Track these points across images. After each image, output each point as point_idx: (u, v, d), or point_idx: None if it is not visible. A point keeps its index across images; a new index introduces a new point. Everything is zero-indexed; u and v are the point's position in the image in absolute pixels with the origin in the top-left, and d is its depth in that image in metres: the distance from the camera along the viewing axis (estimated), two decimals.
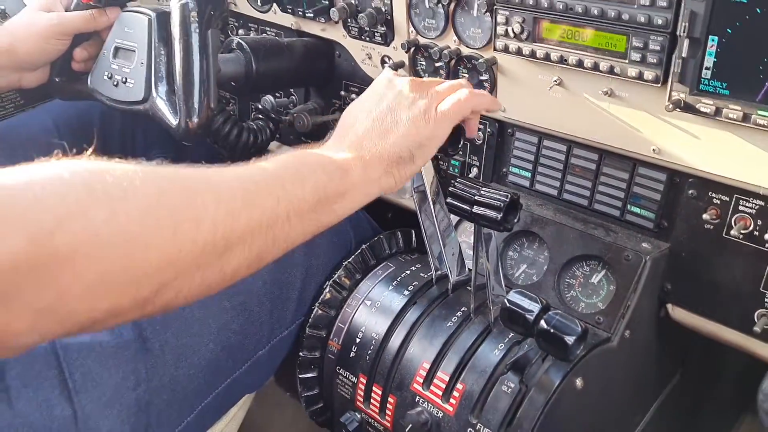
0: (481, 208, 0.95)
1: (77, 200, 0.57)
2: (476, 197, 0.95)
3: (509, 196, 0.94)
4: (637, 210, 1.11)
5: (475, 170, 1.32)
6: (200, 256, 0.66)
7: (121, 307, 0.61)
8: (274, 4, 1.54)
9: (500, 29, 1.12)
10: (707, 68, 0.93)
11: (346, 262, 1.18)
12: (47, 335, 0.58)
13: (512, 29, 1.10)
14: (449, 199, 0.98)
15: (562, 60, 1.06)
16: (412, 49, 1.31)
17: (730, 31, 0.90)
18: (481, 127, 1.27)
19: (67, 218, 0.55)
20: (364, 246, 1.21)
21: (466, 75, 1.25)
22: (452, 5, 1.21)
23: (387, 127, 0.92)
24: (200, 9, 1.19)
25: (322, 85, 1.55)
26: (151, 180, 0.64)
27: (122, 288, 0.60)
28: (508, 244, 1.19)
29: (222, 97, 1.69)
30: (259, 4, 1.58)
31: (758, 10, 0.86)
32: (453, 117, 0.96)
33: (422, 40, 1.30)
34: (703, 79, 0.94)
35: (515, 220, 0.96)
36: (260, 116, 1.52)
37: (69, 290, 0.56)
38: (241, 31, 1.68)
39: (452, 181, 0.99)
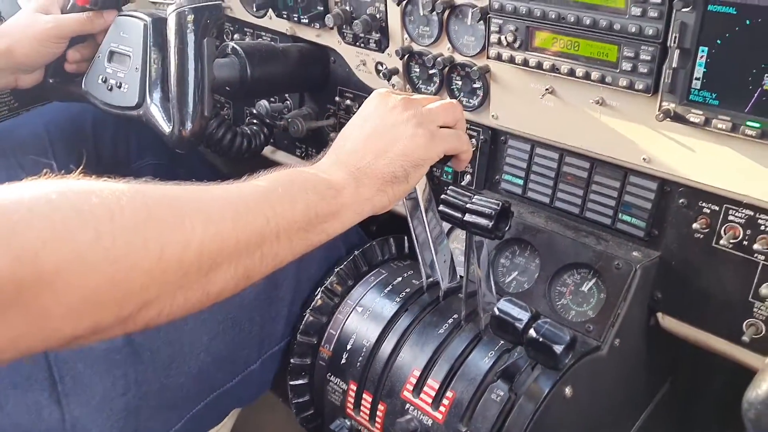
0: (473, 216, 0.95)
1: (63, 221, 0.57)
2: (467, 205, 0.96)
3: (500, 204, 0.94)
4: (627, 218, 1.11)
5: (468, 177, 1.33)
6: (184, 276, 0.66)
7: (103, 325, 0.61)
8: (270, 10, 1.55)
9: (493, 38, 1.12)
10: (697, 79, 0.94)
11: (338, 269, 1.18)
12: (28, 351, 0.58)
13: (505, 38, 1.10)
14: (441, 207, 0.99)
15: (554, 69, 1.07)
16: (407, 56, 1.32)
17: (719, 42, 0.90)
18: (474, 134, 1.28)
19: (51, 240, 0.56)
20: (356, 252, 1.21)
21: (460, 82, 1.26)
22: (446, 13, 1.22)
23: (382, 146, 0.91)
24: (197, 17, 1.19)
25: (316, 91, 1.55)
26: (139, 200, 0.64)
27: (105, 307, 0.60)
28: (499, 252, 1.19)
29: (216, 101, 1.70)
30: (255, 9, 1.58)
31: (747, 22, 0.87)
32: (449, 146, 0.97)
33: (416, 48, 1.30)
34: (693, 90, 0.94)
35: (506, 228, 0.97)
36: (255, 121, 1.52)
37: (51, 310, 0.56)
38: (236, 36, 1.68)
39: (444, 189, 1.00)
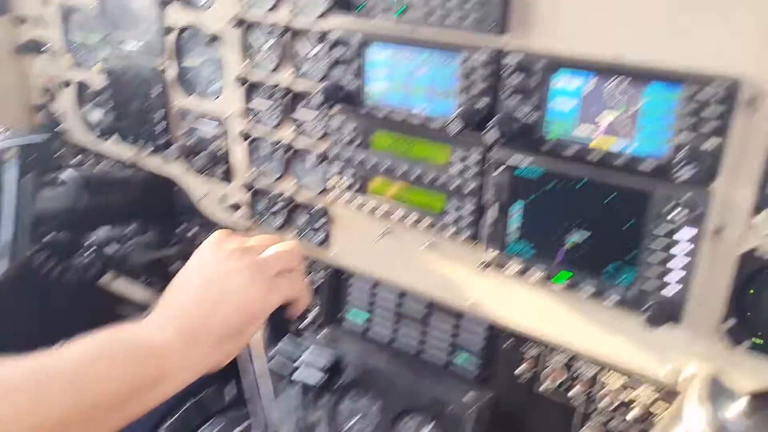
0: (305, 370, 0.93)
1: None
2: (298, 360, 0.94)
3: (334, 358, 0.93)
4: (462, 359, 1.14)
5: (313, 313, 1.31)
6: None
7: None
8: (115, 134, 1.50)
9: (331, 182, 1.15)
10: (513, 231, 1.01)
11: (166, 425, 1.09)
12: None
13: (343, 182, 1.14)
14: (271, 363, 0.95)
15: (389, 214, 1.11)
16: (251, 191, 1.32)
17: (531, 199, 0.98)
18: (318, 271, 1.28)
19: None
20: (189, 403, 1.13)
21: (304, 219, 1.27)
22: (289, 153, 1.24)
23: (216, 299, 0.84)
24: (19, 153, 1.13)
25: (159, 219, 1.50)
26: None
27: None
28: (342, 395, 1.16)
29: (50, 227, 1.58)
30: (99, 133, 1.53)
31: (551, 184, 0.95)
32: (286, 295, 0.91)
33: (261, 183, 1.31)
34: (509, 243, 1.01)
35: (339, 382, 0.95)
36: (92, 250, 1.43)
37: None
38: (75, 160, 1.61)
39: (287, 327, 0.96)
